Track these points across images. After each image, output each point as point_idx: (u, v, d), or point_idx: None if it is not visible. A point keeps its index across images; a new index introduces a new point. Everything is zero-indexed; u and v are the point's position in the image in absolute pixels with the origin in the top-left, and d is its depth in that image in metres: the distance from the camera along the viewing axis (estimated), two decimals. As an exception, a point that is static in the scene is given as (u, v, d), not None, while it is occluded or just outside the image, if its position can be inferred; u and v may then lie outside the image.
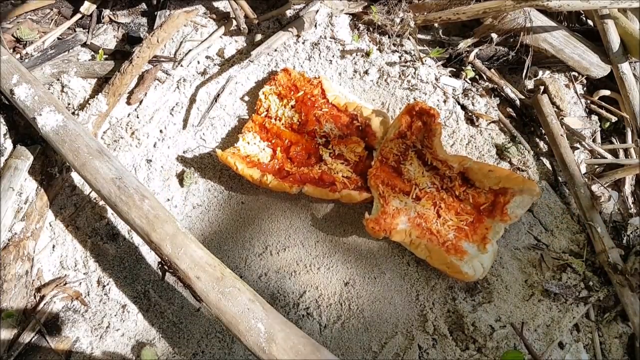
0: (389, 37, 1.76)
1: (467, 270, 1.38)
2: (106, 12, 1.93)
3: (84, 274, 1.55)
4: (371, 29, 1.79)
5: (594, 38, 1.72)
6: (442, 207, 1.46)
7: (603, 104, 1.73)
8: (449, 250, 1.41)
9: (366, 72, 1.74)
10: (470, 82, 1.74)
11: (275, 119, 1.64)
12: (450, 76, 1.74)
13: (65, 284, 1.52)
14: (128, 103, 1.75)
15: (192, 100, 1.76)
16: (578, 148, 1.67)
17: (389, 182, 1.50)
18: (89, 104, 1.67)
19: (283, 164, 1.57)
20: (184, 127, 1.73)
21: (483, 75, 1.74)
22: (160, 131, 1.72)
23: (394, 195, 1.48)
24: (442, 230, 1.44)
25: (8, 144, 1.67)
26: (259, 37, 1.83)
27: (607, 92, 1.74)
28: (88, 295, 1.53)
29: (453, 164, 1.46)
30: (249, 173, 1.52)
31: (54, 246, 1.58)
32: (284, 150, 1.60)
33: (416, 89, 1.71)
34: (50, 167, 1.65)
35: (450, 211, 1.46)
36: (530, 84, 1.77)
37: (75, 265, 1.56)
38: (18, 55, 1.83)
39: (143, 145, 1.70)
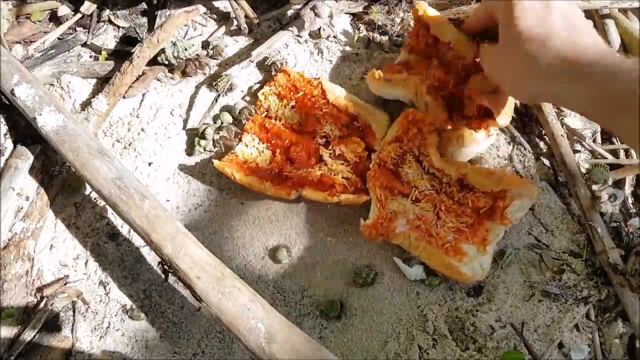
0: (389, 37, 1.76)
1: (466, 272, 1.38)
2: (106, 12, 1.93)
3: (84, 274, 1.55)
4: (371, 29, 1.79)
5: (594, 38, 1.72)
6: (442, 209, 1.46)
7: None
8: (448, 252, 1.41)
9: (366, 73, 1.74)
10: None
11: (275, 119, 1.64)
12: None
13: (66, 284, 1.52)
14: (123, 97, 1.74)
15: (193, 100, 1.76)
16: (579, 150, 1.67)
17: (387, 184, 1.50)
18: (89, 104, 1.67)
19: (282, 166, 1.57)
20: (184, 127, 1.73)
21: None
22: (160, 132, 1.72)
23: (392, 198, 1.48)
24: (442, 232, 1.44)
25: (8, 144, 1.67)
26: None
27: (607, 93, 1.74)
28: (88, 295, 1.53)
29: (450, 172, 1.45)
30: (247, 182, 1.52)
31: (54, 246, 1.59)
32: (284, 150, 1.60)
33: (416, 89, 1.71)
34: (51, 167, 1.65)
35: (450, 213, 1.46)
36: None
37: (76, 265, 1.56)
38: (18, 55, 1.83)
39: (144, 145, 1.70)
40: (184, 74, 1.68)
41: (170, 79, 1.76)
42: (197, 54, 1.68)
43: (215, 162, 1.56)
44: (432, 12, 1.51)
